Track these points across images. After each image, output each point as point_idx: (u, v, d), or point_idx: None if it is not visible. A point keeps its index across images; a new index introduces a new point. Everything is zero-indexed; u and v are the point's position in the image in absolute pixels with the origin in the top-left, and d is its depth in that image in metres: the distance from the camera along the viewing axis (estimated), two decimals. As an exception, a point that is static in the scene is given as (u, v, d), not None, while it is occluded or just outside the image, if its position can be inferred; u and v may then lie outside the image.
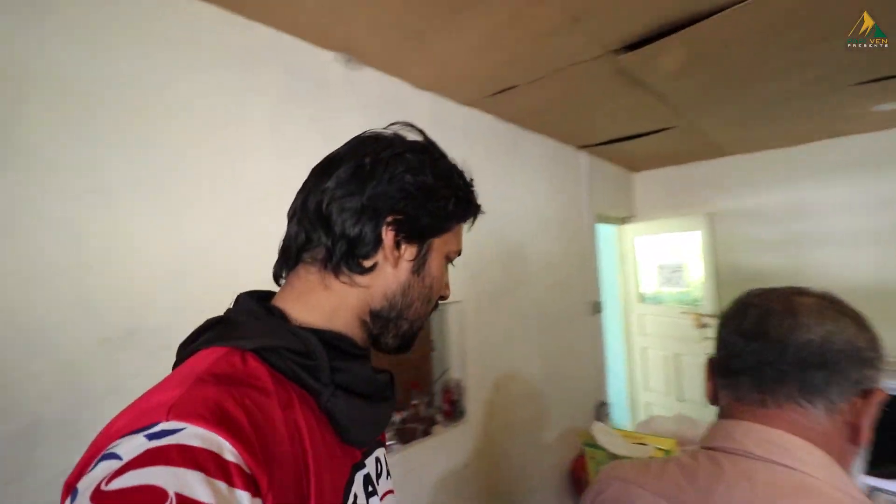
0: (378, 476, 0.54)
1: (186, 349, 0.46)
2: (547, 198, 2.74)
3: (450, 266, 0.60)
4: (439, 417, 1.97)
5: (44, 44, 1.03)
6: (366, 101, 1.73)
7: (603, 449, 1.10)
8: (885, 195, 2.71)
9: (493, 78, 1.88)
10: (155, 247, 1.17)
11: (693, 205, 3.44)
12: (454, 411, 1.97)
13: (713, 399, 0.64)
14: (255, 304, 0.49)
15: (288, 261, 0.53)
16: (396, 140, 0.54)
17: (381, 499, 0.54)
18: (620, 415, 3.60)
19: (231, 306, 0.51)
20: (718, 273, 3.21)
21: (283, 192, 0.73)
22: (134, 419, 0.35)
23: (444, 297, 0.58)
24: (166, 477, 0.31)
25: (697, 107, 2.25)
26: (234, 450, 0.35)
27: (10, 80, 0.99)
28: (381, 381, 0.52)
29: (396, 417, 1.84)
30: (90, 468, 0.33)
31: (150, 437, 0.33)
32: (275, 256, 0.55)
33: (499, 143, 2.38)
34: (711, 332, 3.19)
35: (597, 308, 3.14)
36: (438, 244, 0.55)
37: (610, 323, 3.52)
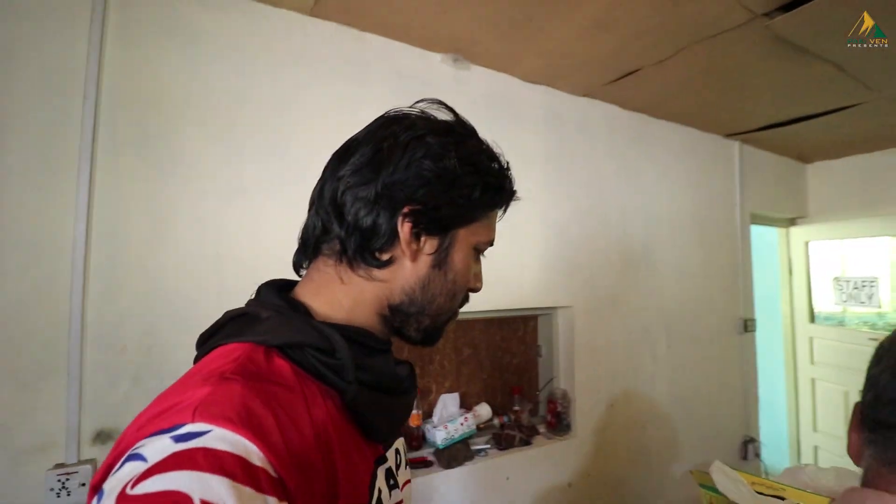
0: (398, 468, 0.54)
1: (206, 344, 0.45)
2: (684, 195, 2.40)
3: (482, 257, 0.56)
4: (542, 428, 1.86)
5: (198, 66, 1.24)
6: (475, 99, 1.72)
7: (721, 494, 0.90)
8: None
9: (612, 62, 1.70)
10: (280, 239, 1.32)
11: (888, 202, 2.68)
12: (559, 423, 1.84)
13: (856, 456, 0.47)
14: (277, 298, 0.48)
15: (307, 251, 0.51)
16: (419, 121, 0.50)
17: (402, 489, 0.53)
18: (775, 457, 2.98)
19: (252, 297, 0.50)
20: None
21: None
22: (159, 417, 0.35)
23: (474, 290, 0.55)
24: (191, 483, 0.31)
25: (887, 72, 1.73)
26: (261, 454, 0.34)
27: (172, 100, 1.21)
28: (401, 374, 0.52)
29: (496, 421, 1.79)
30: (116, 468, 0.33)
31: (177, 439, 0.33)
32: None
33: (621, 135, 2.15)
34: None
35: (748, 326, 2.65)
36: (464, 235, 0.51)
37: (768, 345, 2.94)
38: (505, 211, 0.56)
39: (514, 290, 1.74)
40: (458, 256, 0.51)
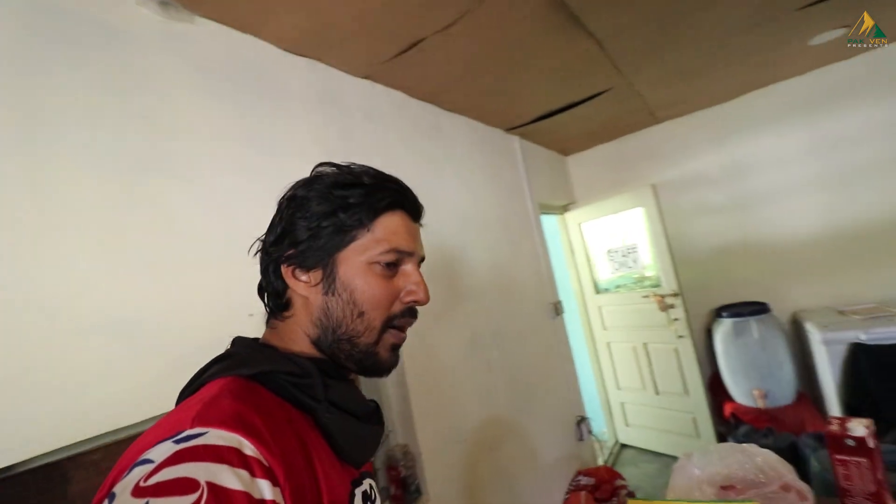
0: (374, 501, 0.57)
1: (194, 384, 0.49)
2: (485, 191, 2.29)
3: (408, 268, 0.57)
4: (388, 506, 1.40)
5: None
6: (203, 65, 1.15)
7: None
8: (822, 137, 2.57)
9: (389, 26, 1.38)
10: None
11: (633, 180, 3.18)
12: (406, 492, 1.40)
13: None
14: (249, 341, 0.55)
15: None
16: (297, 186, 0.57)
17: None
18: (596, 424, 3.22)
19: (229, 347, 0.55)
20: (671, 247, 2.94)
21: None
22: (160, 432, 0.40)
23: (416, 303, 0.57)
24: (196, 470, 0.36)
25: (637, 57, 1.91)
26: (252, 446, 0.39)
27: None
28: (368, 404, 0.57)
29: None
30: (124, 475, 0.37)
31: (178, 441, 0.38)
32: None
33: (416, 127, 1.88)
34: (678, 313, 3.04)
35: (558, 309, 2.73)
36: (348, 256, 0.54)
37: (572, 323, 3.14)
38: (414, 216, 0.59)
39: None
40: (348, 276, 0.54)
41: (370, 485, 0.57)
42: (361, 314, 0.53)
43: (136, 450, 0.39)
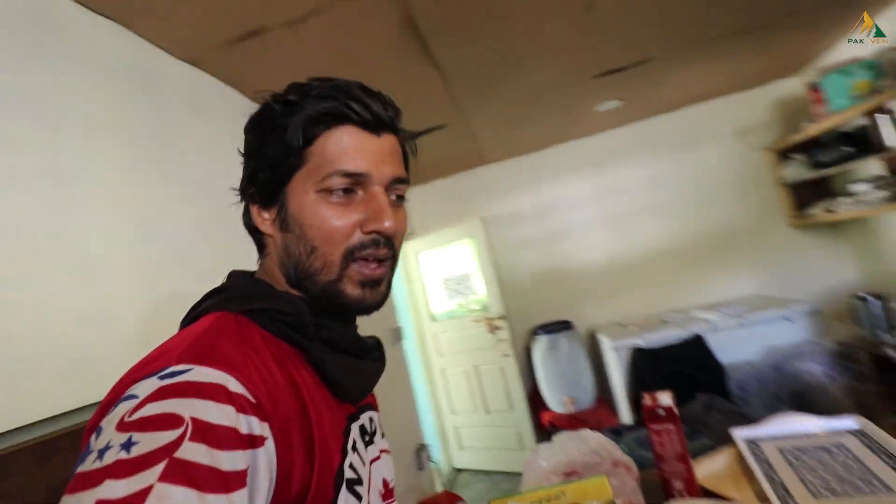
0: (373, 433, 0.56)
1: (191, 315, 0.50)
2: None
3: (379, 191, 0.50)
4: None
5: None
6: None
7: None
8: (604, 186, 3.26)
9: (229, 10, 1.22)
10: None
11: (466, 214, 3.46)
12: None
13: None
14: (243, 276, 0.54)
15: None
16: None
17: (380, 452, 0.57)
18: (437, 453, 3.23)
19: (224, 281, 0.54)
20: (499, 275, 3.25)
21: None
22: (145, 368, 0.39)
23: (378, 231, 0.49)
24: (180, 405, 0.35)
25: (474, 99, 2.12)
26: (238, 382, 0.38)
27: None
28: (367, 342, 0.57)
29: None
30: (111, 409, 0.36)
31: (162, 377, 0.37)
32: None
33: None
34: (504, 334, 3.33)
35: (398, 335, 2.70)
36: (295, 186, 0.50)
37: (410, 351, 3.15)
38: (372, 127, 0.50)
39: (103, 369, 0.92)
40: (295, 209, 0.50)
41: (370, 418, 0.57)
42: (314, 249, 0.49)
43: (124, 384, 0.39)
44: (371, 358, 0.56)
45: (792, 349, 2.38)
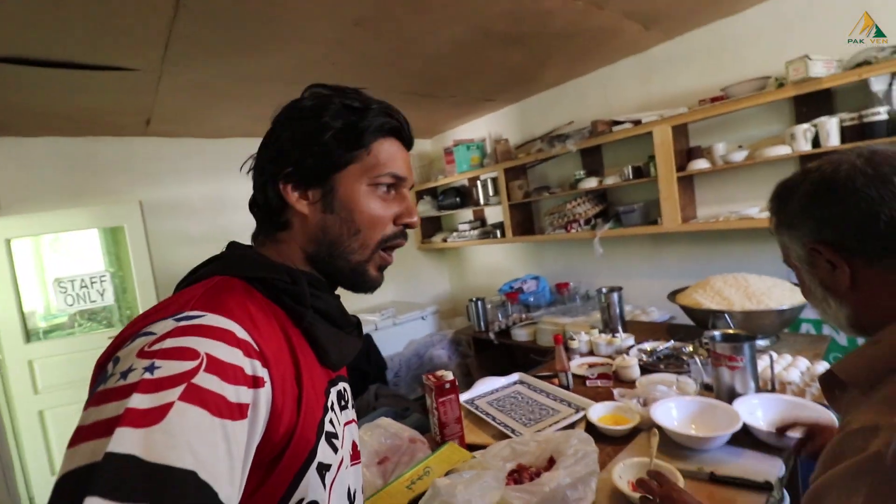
0: (347, 401, 0.61)
1: (189, 279, 0.52)
2: None
3: (401, 191, 0.60)
4: None
5: None
6: None
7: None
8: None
9: None
10: None
11: (92, 193, 2.58)
12: None
13: (857, 302, 0.56)
14: (246, 248, 0.58)
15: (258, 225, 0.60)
16: (295, 103, 0.57)
17: (351, 420, 0.61)
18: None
19: (224, 250, 0.57)
20: (155, 273, 2.62)
21: None
22: (155, 315, 0.42)
23: (409, 226, 0.60)
24: (197, 342, 0.39)
25: (192, 46, 1.68)
26: (245, 331, 0.43)
27: None
28: (351, 318, 0.61)
29: None
30: (127, 343, 0.40)
31: (178, 319, 0.41)
32: None
33: None
34: None
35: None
36: (347, 177, 0.56)
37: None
38: (407, 143, 0.61)
39: None
40: (347, 196, 0.55)
41: (344, 387, 0.61)
42: (357, 232, 0.56)
43: (137, 326, 0.42)
44: (351, 332, 0.60)
45: (426, 340, 3.16)
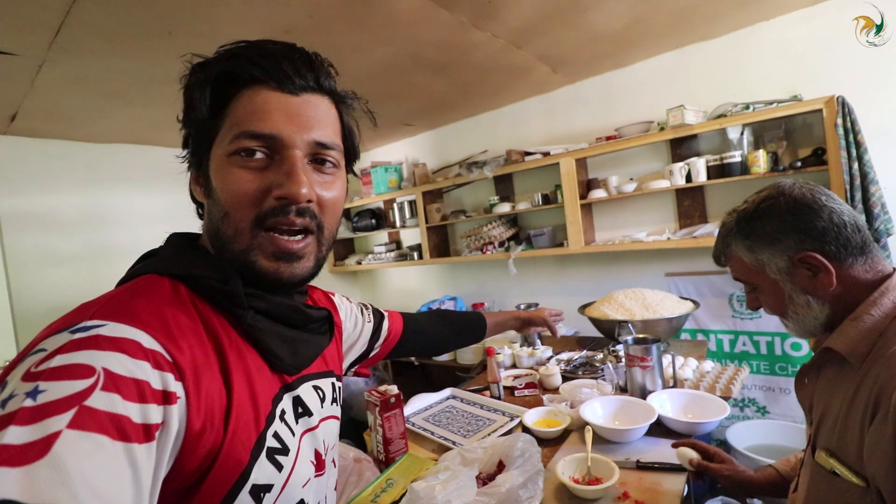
0: (322, 400, 0.56)
1: (125, 277, 0.49)
2: None
3: (292, 155, 0.47)
4: None
5: None
6: None
7: None
8: (186, 206, 2.93)
9: None
10: None
11: None
12: None
13: (833, 297, 0.67)
14: (182, 241, 0.53)
15: None
16: None
17: (319, 422, 0.54)
18: None
19: (163, 244, 0.53)
20: (13, 301, 2.16)
21: None
22: (58, 325, 0.37)
23: (285, 198, 0.46)
24: (91, 357, 0.34)
25: (92, 33, 1.48)
26: (153, 340, 0.38)
27: None
28: (310, 313, 0.54)
29: None
30: (17, 365, 0.34)
31: (73, 331, 0.35)
32: None
33: None
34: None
35: None
36: (214, 151, 0.48)
37: None
38: (291, 87, 0.47)
39: None
40: (216, 176, 0.48)
41: (313, 387, 0.55)
42: (226, 215, 0.47)
43: (34, 342, 0.37)
44: (313, 330, 0.55)
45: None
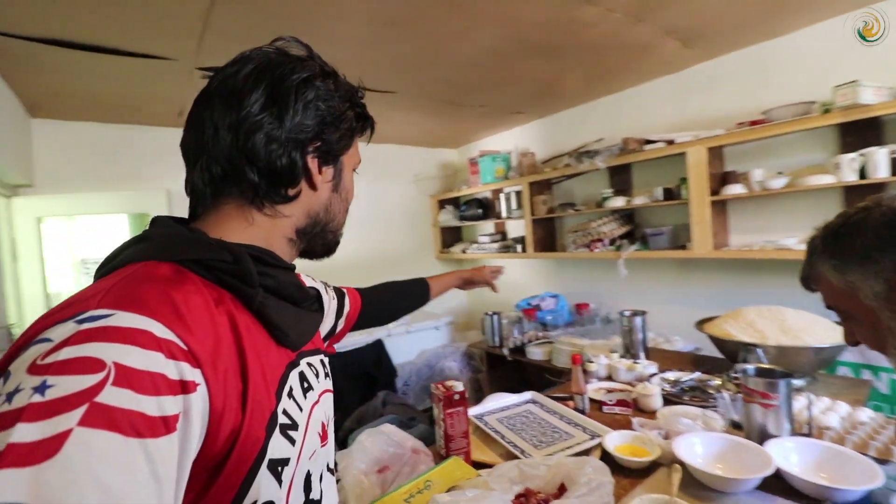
0: (317, 376, 0.58)
1: (106, 267, 0.45)
2: None
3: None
4: None
5: None
6: None
7: None
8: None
9: None
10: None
11: (117, 178, 2.63)
12: None
13: None
14: (174, 224, 0.50)
15: (203, 200, 0.52)
16: (297, 64, 0.53)
17: (320, 395, 0.56)
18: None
19: (148, 228, 0.50)
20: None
21: None
22: (56, 315, 0.35)
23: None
24: (101, 350, 0.32)
25: (220, 31, 1.73)
26: (166, 328, 0.36)
27: None
28: (308, 291, 0.57)
29: None
30: (20, 353, 0.33)
31: (80, 321, 0.34)
32: None
33: None
34: None
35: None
36: (347, 160, 0.59)
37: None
38: (371, 133, 0.63)
39: None
40: (347, 178, 0.60)
41: (309, 363, 0.57)
42: (346, 211, 0.62)
43: (35, 330, 0.35)
44: (309, 307, 0.58)
45: (438, 351, 3.10)
